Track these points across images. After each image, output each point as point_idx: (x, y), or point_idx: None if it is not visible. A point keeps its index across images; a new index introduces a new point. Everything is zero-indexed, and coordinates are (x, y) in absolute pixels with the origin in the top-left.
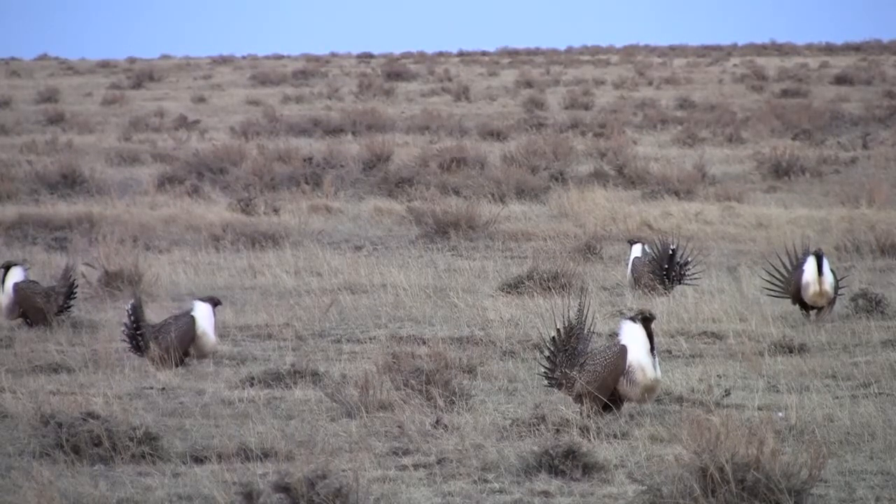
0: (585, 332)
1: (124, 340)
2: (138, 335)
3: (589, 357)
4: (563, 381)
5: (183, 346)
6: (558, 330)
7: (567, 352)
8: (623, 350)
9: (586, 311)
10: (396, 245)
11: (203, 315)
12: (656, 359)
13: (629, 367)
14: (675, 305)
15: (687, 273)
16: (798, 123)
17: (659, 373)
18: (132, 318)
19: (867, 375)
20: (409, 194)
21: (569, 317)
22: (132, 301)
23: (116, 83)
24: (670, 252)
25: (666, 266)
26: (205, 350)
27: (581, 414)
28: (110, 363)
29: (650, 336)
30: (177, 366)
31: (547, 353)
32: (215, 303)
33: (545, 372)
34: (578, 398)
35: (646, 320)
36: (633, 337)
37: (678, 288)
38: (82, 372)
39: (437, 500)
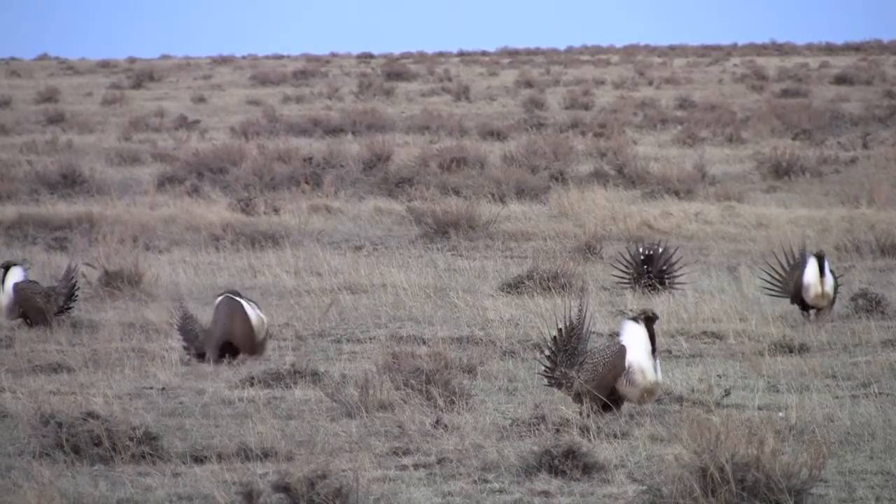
0: (585, 331)
1: (187, 353)
2: (196, 344)
3: (588, 356)
4: (563, 381)
5: (241, 332)
6: (559, 329)
7: (567, 351)
8: (622, 350)
9: (586, 311)
10: (396, 245)
11: (237, 297)
12: (657, 361)
13: (629, 367)
14: (675, 305)
15: (670, 277)
16: (798, 123)
17: (660, 375)
18: (184, 328)
19: (867, 375)
20: (409, 194)
21: (569, 316)
22: (180, 313)
23: (116, 83)
24: (643, 256)
25: (640, 269)
26: (258, 331)
27: (581, 413)
28: (110, 363)
29: (652, 337)
30: (258, 355)
31: (548, 352)
32: (235, 294)
33: (545, 371)
34: (578, 397)
35: (648, 320)
36: (633, 337)
37: (678, 288)
38: (82, 372)
39: (437, 500)
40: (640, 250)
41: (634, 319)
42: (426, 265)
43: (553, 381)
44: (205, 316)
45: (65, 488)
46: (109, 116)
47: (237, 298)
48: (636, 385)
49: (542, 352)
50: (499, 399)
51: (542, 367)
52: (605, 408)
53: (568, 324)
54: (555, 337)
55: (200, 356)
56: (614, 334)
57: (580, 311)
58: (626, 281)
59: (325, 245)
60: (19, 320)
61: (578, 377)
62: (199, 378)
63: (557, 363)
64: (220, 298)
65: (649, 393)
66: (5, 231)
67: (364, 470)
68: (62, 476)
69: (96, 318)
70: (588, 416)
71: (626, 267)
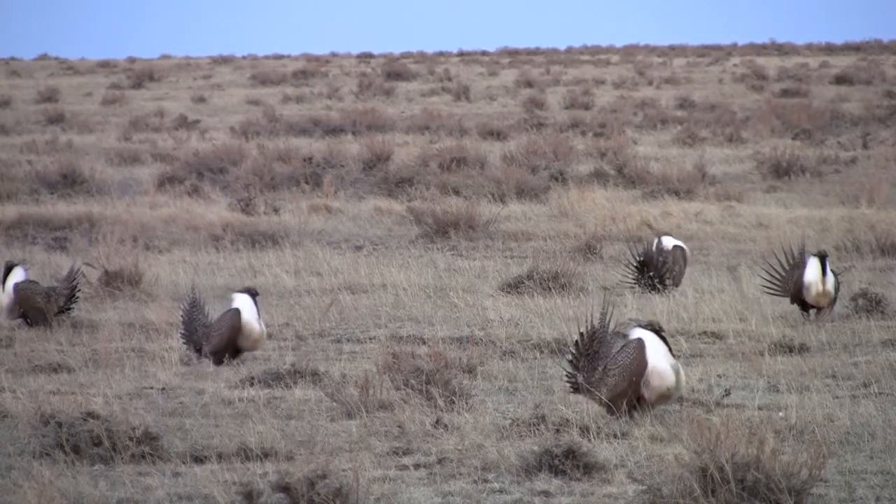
0: (610, 335)
1: (184, 344)
2: (194, 334)
3: (610, 360)
4: (587, 385)
5: (231, 341)
6: (581, 334)
7: (590, 356)
8: (641, 343)
9: (610, 314)
10: (396, 245)
11: (245, 306)
12: (676, 360)
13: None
14: (675, 305)
15: (669, 279)
16: (798, 123)
17: (683, 379)
18: (188, 318)
19: (867, 375)
20: (409, 194)
21: (592, 320)
22: (189, 300)
23: (116, 83)
24: (638, 259)
25: (639, 271)
26: (252, 339)
27: (619, 417)
28: (110, 363)
29: (665, 342)
30: (222, 363)
31: (570, 357)
32: (253, 293)
33: (567, 376)
34: (604, 402)
35: (655, 332)
36: (647, 336)
37: (679, 288)
38: (82, 372)
39: (437, 499)
40: (638, 258)
41: (643, 327)
42: (426, 265)
43: (576, 387)
44: (212, 310)
45: (65, 488)
46: (109, 116)
47: (243, 313)
48: (653, 388)
49: (562, 356)
50: (499, 399)
51: (565, 373)
52: (633, 408)
53: (590, 327)
54: (577, 342)
55: (198, 350)
56: (621, 333)
57: (603, 313)
58: (629, 282)
59: (325, 245)
60: (19, 320)
61: (605, 381)
62: (199, 378)
63: (580, 368)
64: (231, 304)
65: (664, 397)
66: (5, 231)
67: (364, 470)
68: (62, 476)
69: (96, 318)
70: (623, 417)
71: (626, 268)
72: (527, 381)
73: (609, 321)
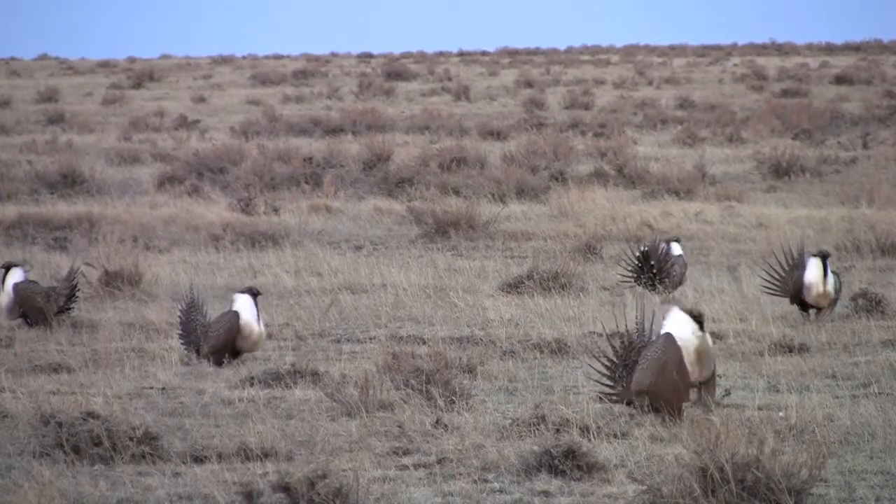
0: (647, 340)
1: (181, 341)
2: (192, 334)
3: (641, 359)
4: (627, 397)
5: (228, 342)
6: (613, 345)
7: (628, 365)
8: (669, 336)
9: (646, 321)
10: (396, 245)
11: (245, 308)
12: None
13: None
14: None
15: (667, 275)
16: (798, 123)
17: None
18: (186, 318)
19: (867, 375)
20: (409, 194)
21: (627, 329)
22: (188, 300)
23: (116, 83)
24: (639, 252)
25: (640, 267)
26: (251, 341)
27: (668, 423)
28: (110, 363)
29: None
30: (223, 364)
31: (606, 370)
32: (255, 293)
33: (606, 387)
34: (654, 408)
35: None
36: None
37: (679, 288)
38: (82, 372)
39: (437, 499)
40: (641, 248)
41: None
42: (426, 265)
43: (617, 398)
44: (212, 310)
45: (65, 488)
46: (109, 116)
47: (242, 314)
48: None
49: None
50: (499, 399)
51: (603, 387)
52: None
53: (625, 338)
54: (609, 357)
55: (197, 351)
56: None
57: (637, 321)
58: (629, 278)
59: (325, 245)
60: (19, 320)
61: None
62: (199, 378)
63: (617, 379)
64: (232, 304)
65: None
66: (5, 231)
67: (364, 470)
68: (62, 476)
69: (96, 318)
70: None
71: (626, 265)
72: (527, 381)
73: (645, 328)
